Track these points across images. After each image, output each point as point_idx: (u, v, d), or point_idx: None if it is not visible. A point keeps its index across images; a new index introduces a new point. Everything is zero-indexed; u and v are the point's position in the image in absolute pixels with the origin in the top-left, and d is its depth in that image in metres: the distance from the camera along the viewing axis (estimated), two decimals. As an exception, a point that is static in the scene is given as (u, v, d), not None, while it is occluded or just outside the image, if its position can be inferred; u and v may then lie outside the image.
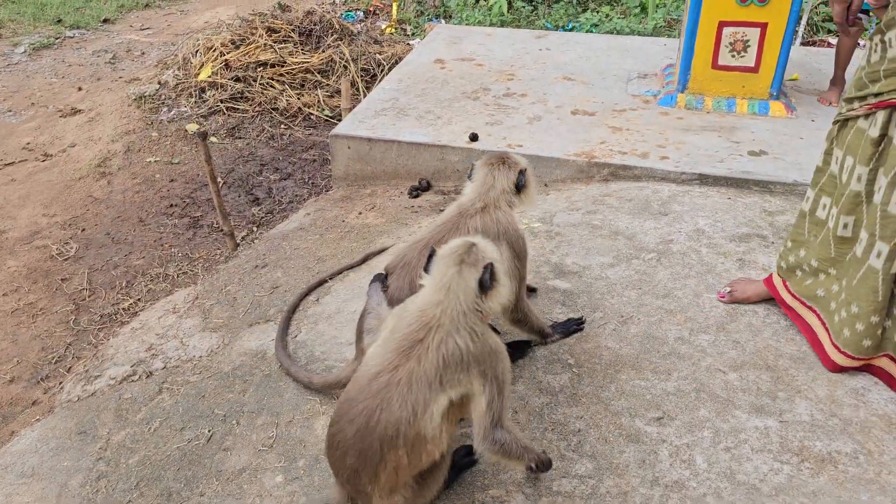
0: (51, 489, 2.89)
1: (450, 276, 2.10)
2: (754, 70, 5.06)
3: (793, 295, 3.03)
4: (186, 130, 6.45)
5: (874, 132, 2.49)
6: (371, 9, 9.66)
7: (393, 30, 8.87)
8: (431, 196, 4.85)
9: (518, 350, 3.03)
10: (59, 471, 2.96)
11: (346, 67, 7.05)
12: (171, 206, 5.38)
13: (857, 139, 2.58)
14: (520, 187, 2.83)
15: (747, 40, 5.01)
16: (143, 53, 9.05)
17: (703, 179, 4.36)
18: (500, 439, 2.19)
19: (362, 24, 9.10)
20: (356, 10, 9.59)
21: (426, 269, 2.19)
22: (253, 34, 7.19)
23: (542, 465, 2.39)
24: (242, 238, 4.92)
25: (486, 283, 2.10)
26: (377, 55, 7.26)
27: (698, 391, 2.79)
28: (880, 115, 2.46)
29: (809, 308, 2.96)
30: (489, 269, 2.11)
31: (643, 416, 2.70)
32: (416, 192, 4.84)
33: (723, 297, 3.28)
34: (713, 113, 5.20)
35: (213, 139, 6.35)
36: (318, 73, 6.97)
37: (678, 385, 2.83)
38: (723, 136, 4.85)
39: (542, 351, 3.07)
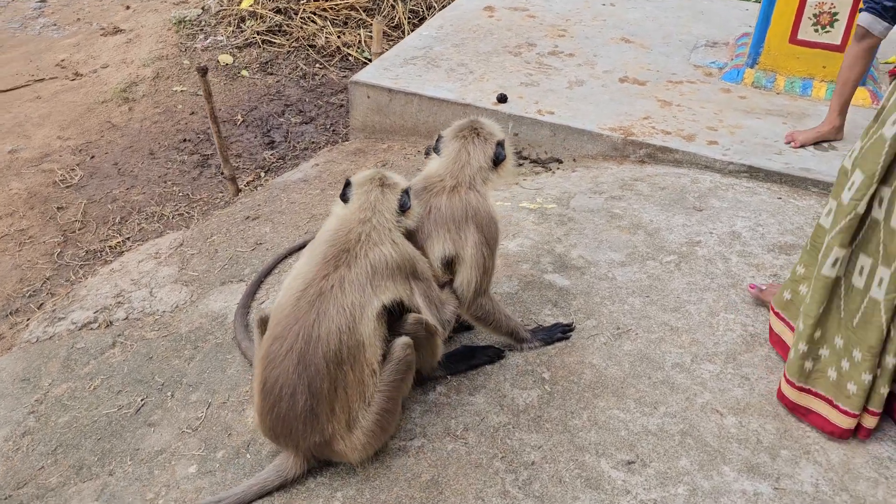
0: (-28, 438, 2.72)
1: (374, 197, 2.29)
2: (839, 49, 4.34)
3: None
4: (219, 62, 6.17)
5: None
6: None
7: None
8: (449, 159, 4.42)
9: (482, 355, 2.64)
10: (-13, 422, 2.79)
11: (393, 6, 6.58)
12: (185, 140, 5.14)
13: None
14: (498, 161, 2.43)
15: (835, 13, 4.29)
16: (201, -25, 8.76)
17: (753, 173, 3.78)
18: (450, 314, 2.39)
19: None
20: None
21: (342, 198, 2.34)
22: (301, -36, 6.77)
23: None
24: (247, 183, 4.64)
25: (405, 204, 2.31)
26: (429, -4, 6.75)
27: (684, 434, 2.35)
28: None
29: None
30: (407, 192, 2.34)
31: (611, 457, 2.28)
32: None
33: (752, 289, 2.88)
34: (784, 95, 4.53)
35: (244, 73, 6.04)
36: (364, 10, 6.52)
37: (662, 423, 2.39)
38: (789, 122, 4.20)
39: (517, 358, 2.68)
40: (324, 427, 2.11)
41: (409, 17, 6.52)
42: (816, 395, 2.33)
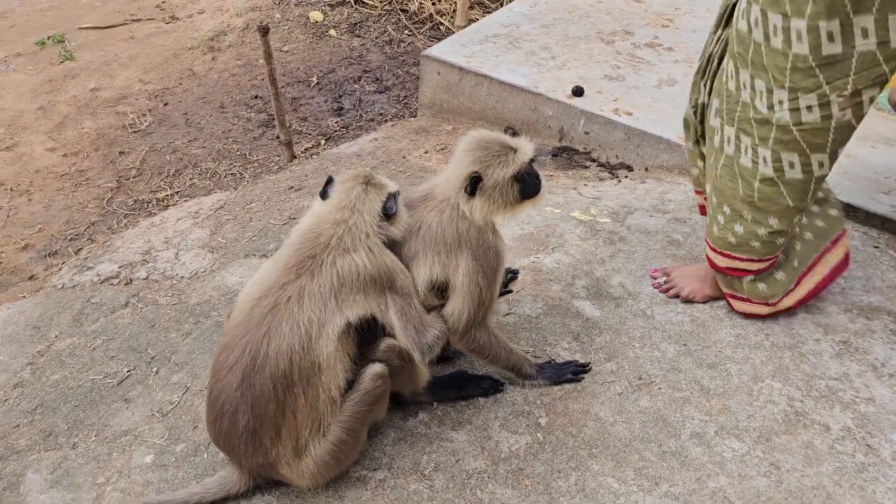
0: (-28, 381, 2.74)
1: (355, 195, 2.05)
2: None
3: None
4: (308, 18, 6.04)
5: None
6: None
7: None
8: (511, 150, 4.09)
9: (476, 385, 2.37)
10: (-10, 365, 2.81)
11: (495, -23, 6.21)
12: (256, 97, 5.06)
13: None
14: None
15: None
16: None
17: (850, 213, 3.23)
18: (432, 339, 2.09)
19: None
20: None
21: (322, 195, 2.11)
22: (409, -78, 6.49)
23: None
24: (305, 150, 4.50)
25: (390, 208, 2.06)
26: (536, -32, 6.31)
27: (683, 525, 2.00)
28: None
29: None
30: (394, 196, 2.08)
31: (589, 536, 1.98)
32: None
33: (655, 285, 2.80)
34: (913, 121, 3.87)
35: (332, 32, 5.89)
36: (464, -22, 6.19)
37: (660, 505, 2.05)
38: (911, 155, 3.58)
39: (516, 395, 2.39)
40: (267, 450, 1.92)
41: (510, -11, 6.13)
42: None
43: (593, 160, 3.89)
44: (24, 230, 3.89)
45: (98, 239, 3.80)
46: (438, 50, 4.37)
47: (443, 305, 2.17)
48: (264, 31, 3.80)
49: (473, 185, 2.07)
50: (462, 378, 2.41)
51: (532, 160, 2.15)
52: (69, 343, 2.90)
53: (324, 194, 2.09)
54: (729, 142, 2.36)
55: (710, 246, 2.61)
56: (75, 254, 3.67)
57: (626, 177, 3.71)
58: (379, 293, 1.98)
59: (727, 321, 2.67)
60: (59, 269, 3.56)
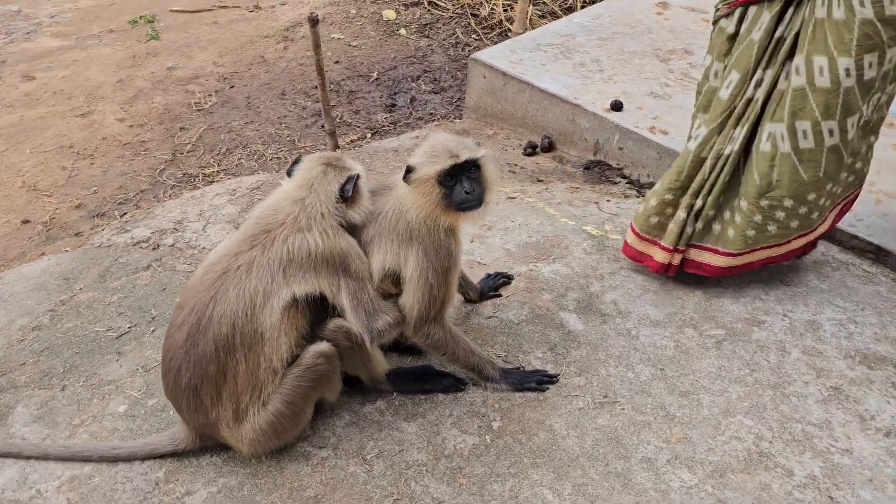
0: (1, 319, 2.99)
1: (313, 175, 2.11)
2: None
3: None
4: (381, 16, 6.20)
5: (730, 28, 2.56)
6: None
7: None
8: (545, 160, 4.07)
9: (437, 381, 2.39)
10: (20, 307, 3.06)
11: (571, -13, 6.17)
12: (316, 87, 5.23)
13: (718, 38, 2.63)
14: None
15: None
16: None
17: (882, 256, 3.04)
18: (383, 325, 2.12)
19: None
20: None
21: (288, 173, 2.19)
22: (493, -71, 6.54)
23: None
24: (350, 142, 4.63)
25: (346, 192, 2.09)
26: (614, -18, 6.22)
27: (607, 546, 1.96)
28: (736, 13, 2.52)
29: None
30: (353, 180, 2.10)
31: (509, 542, 1.96)
32: (531, 150, 4.09)
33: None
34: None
35: (402, 31, 6.02)
36: (539, -14, 6.18)
37: (590, 524, 2.01)
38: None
39: (476, 396, 2.40)
40: (208, 410, 2.02)
41: (585, 1, 6.07)
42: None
43: (624, 177, 3.82)
44: (80, 190, 4.20)
45: (143, 205, 4.05)
46: (487, 54, 4.40)
47: (399, 295, 2.21)
48: (314, 21, 3.94)
49: (406, 173, 2.11)
50: (426, 373, 2.44)
51: (461, 166, 2.12)
52: (89, 296, 3.12)
53: (290, 172, 2.17)
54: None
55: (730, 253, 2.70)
56: (120, 217, 3.93)
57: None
58: (332, 274, 2.03)
59: (713, 351, 2.57)
60: (102, 230, 3.82)
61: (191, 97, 5.11)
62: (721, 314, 2.74)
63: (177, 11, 6.39)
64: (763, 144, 2.52)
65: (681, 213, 2.72)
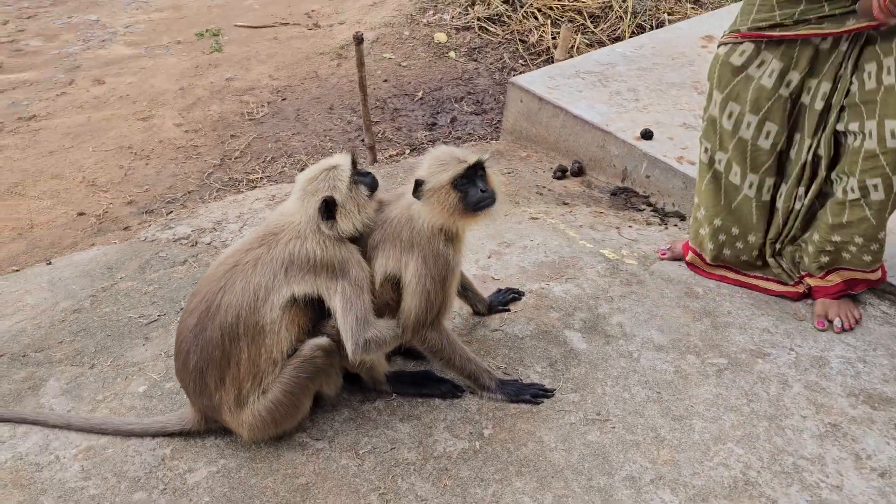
0: (48, 301, 3.23)
1: (297, 197, 2.24)
2: None
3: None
4: (433, 38, 6.39)
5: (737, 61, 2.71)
6: (721, -36, 8.33)
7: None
8: (573, 184, 4.14)
9: (435, 387, 2.48)
10: (66, 290, 3.30)
11: (621, 18, 6.24)
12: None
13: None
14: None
15: None
16: (477, -44, 9.08)
17: (901, 298, 3.00)
18: (372, 337, 2.17)
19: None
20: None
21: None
22: (549, -42, 6.69)
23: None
24: (389, 157, 4.79)
25: (322, 215, 2.19)
26: (664, 14, 6.28)
27: (579, 557, 2.00)
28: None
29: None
30: (326, 203, 2.17)
31: (484, 543, 2.03)
32: (561, 173, 4.17)
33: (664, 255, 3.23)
34: None
35: (451, 54, 6.20)
36: (589, 16, 6.28)
37: (565, 534, 2.06)
38: None
39: (471, 403, 2.48)
40: (211, 393, 2.16)
41: (634, 32, 6.14)
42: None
43: (650, 205, 3.86)
44: (133, 188, 4.47)
45: (188, 205, 4.29)
46: (525, 79, 4.51)
47: (397, 304, 2.31)
48: (359, 39, 4.14)
49: (416, 188, 2.22)
50: (426, 377, 2.53)
51: (473, 168, 2.24)
52: (128, 285, 3.33)
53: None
54: None
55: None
56: (166, 215, 4.17)
57: (675, 225, 3.65)
58: (330, 278, 2.14)
59: (713, 379, 2.59)
60: (149, 225, 4.06)
61: (244, 107, 5.38)
62: (726, 343, 2.76)
63: (241, 26, 6.74)
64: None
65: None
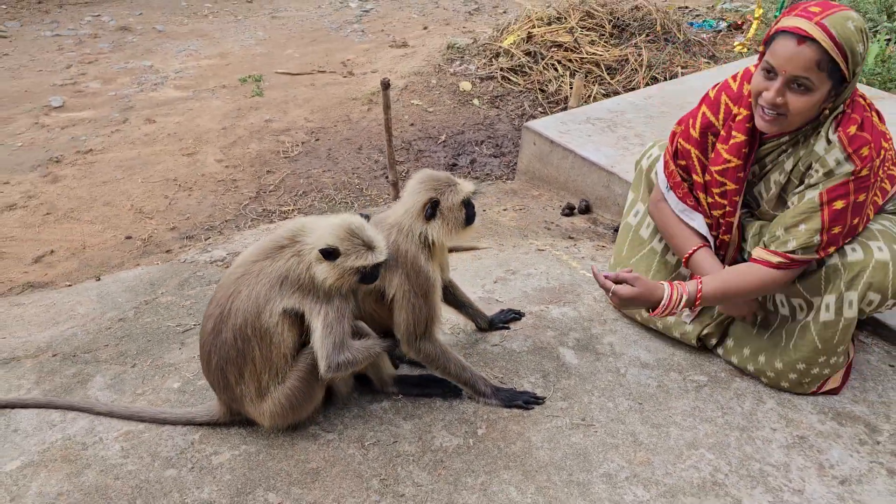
0: (96, 311, 3.60)
1: (299, 237, 2.46)
2: None
3: None
4: (458, 86, 6.81)
5: None
6: (740, 22, 8.70)
7: (745, 49, 7.92)
8: (580, 221, 4.43)
9: (437, 387, 2.76)
10: (113, 303, 3.66)
11: (636, 70, 6.60)
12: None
13: None
14: (428, 216, 2.52)
15: None
16: (505, 12, 9.61)
17: (877, 328, 3.19)
18: (344, 360, 2.40)
19: (718, 34, 8.29)
20: (720, 19, 8.74)
21: None
22: (569, 15, 7.13)
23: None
24: (411, 193, 5.14)
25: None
26: (679, 67, 6.62)
27: (554, 538, 2.23)
28: None
29: None
30: (327, 252, 2.34)
31: (470, 524, 2.27)
32: (569, 211, 4.47)
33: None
34: None
35: (475, 101, 6.60)
36: (606, 69, 6.65)
37: (543, 519, 2.29)
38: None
39: (468, 406, 2.74)
40: (232, 388, 2.44)
41: (648, 83, 6.48)
42: None
43: (650, 240, 4.12)
44: (176, 216, 4.88)
45: (224, 232, 4.67)
46: (539, 123, 4.86)
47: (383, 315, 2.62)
48: (385, 85, 4.53)
49: (433, 208, 2.52)
50: (429, 380, 2.80)
51: (473, 192, 2.56)
52: (168, 300, 3.68)
53: None
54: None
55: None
56: (205, 240, 4.55)
57: (672, 259, 3.90)
58: (314, 301, 2.37)
59: (692, 394, 2.82)
60: (189, 249, 4.45)
61: (281, 146, 5.81)
62: (708, 364, 2.99)
63: (281, 73, 7.26)
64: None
65: None
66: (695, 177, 2.86)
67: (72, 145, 5.82)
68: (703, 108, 2.82)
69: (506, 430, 2.63)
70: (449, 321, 3.21)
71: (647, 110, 5.10)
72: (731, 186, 2.74)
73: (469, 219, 2.59)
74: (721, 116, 2.77)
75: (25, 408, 2.76)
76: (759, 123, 2.56)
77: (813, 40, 2.31)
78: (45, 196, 5.09)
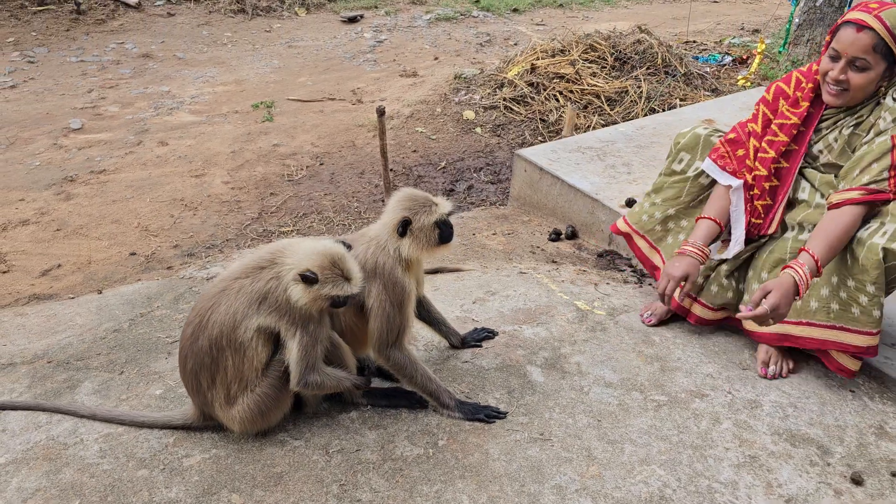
0: (93, 322, 3.78)
1: (280, 257, 2.58)
2: None
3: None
4: (462, 115, 6.99)
5: None
6: (745, 56, 8.82)
7: (748, 83, 8.03)
8: (565, 246, 4.55)
9: (403, 398, 2.88)
10: (110, 315, 3.84)
11: (635, 102, 6.74)
12: (391, 170, 6.01)
13: None
14: (401, 233, 2.66)
15: None
16: (516, 44, 9.84)
17: (842, 355, 3.26)
18: (313, 381, 2.57)
19: (723, 68, 8.42)
20: (726, 54, 8.87)
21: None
22: (573, 48, 7.31)
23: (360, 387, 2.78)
24: (407, 216, 5.29)
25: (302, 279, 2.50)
26: (678, 100, 6.74)
27: (499, 544, 2.32)
28: None
29: None
30: (305, 276, 2.45)
31: (420, 528, 2.37)
32: (555, 236, 4.59)
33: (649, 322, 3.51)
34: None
35: (478, 130, 6.77)
36: (606, 100, 6.80)
37: (491, 526, 2.39)
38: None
39: (433, 418, 2.85)
40: (205, 392, 2.59)
41: (646, 115, 6.61)
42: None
43: (631, 266, 4.22)
44: (180, 234, 5.08)
45: (224, 251, 4.86)
46: (529, 151, 5.00)
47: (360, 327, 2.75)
48: (381, 112, 4.72)
49: (404, 227, 2.67)
50: (396, 392, 2.93)
51: (449, 213, 2.70)
52: (162, 313, 3.86)
53: None
54: None
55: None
56: (204, 258, 4.74)
57: (651, 285, 4.00)
58: (291, 323, 2.49)
59: (651, 413, 2.90)
60: (189, 266, 4.64)
61: (286, 169, 6.02)
62: (670, 384, 3.07)
63: (292, 100, 7.51)
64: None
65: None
66: (752, 141, 3.25)
67: (87, 165, 6.08)
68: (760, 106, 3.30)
69: (466, 442, 2.74)
70: (423, 338, 3.34)
71: (637, 140, 5.23)
72: (782, 138, 3.16)
73: (444, 238, 2.72)
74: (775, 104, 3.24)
75: (15, 409, 2.93)
76: (827, 98, 3.02)
77: (870, 28, 2.79)
78: (56, 213, 5.33)
